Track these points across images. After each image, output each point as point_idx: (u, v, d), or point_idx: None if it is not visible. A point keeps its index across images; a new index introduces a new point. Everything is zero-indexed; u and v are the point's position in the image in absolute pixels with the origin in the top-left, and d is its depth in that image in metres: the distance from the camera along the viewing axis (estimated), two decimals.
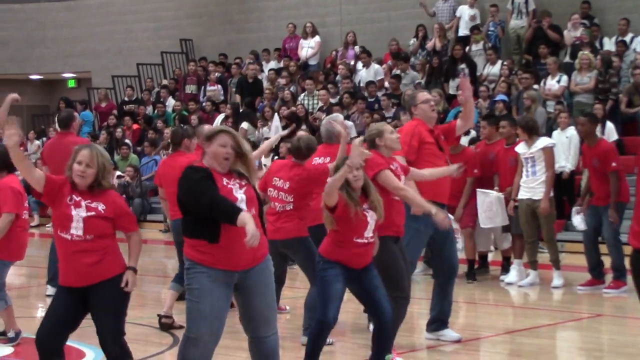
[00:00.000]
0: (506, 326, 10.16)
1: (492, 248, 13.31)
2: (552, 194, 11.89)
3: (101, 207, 6.23)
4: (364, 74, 20.31)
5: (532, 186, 11.78)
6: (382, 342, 7.27)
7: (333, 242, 7.01)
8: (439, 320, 8.77)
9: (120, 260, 6.35)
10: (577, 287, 11.86)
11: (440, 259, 8.68)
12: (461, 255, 13.11)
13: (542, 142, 11.78)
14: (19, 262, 9.05)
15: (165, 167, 9.81)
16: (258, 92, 21.51)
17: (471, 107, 8.79)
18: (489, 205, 12.24)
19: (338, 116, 9.55)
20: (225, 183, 6.02)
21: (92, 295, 6.23)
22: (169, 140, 9.92)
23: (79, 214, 6.16)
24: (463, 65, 18.86)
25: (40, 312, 10.82)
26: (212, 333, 6.05)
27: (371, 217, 6.97)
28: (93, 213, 6.19)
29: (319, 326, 7.01)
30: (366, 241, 6.99)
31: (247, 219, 5.72)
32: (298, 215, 8.46)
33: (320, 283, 7.03)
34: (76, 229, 6.15)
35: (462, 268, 12.92)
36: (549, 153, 11.74)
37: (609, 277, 11.77)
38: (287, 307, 10.33)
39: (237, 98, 21.38)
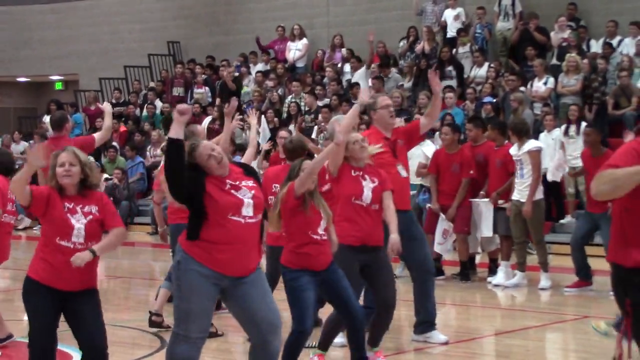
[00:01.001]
0: (494, 328, 10.18)
1: (479, 250, 13.34)
2: (540, 196, 11.92)
3: (94, 209, 6.21)
4: (356, 76, 20.23)
5: (520, 189, 11.86)
6: (359, 341, 7.26)
7: (291, 248, 7.00)
8: (426, 322, 8.77)
9: (96, 274, 6.37)
10: (564, 288, 11.89)
11: (413, 260, 8.67)
12: (451, 256, 13.20)
13: (529, 145, 11.85)
14: (4, 264, 9.02)
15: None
16: (238, 94, 21.53)
17: (439, 102, 8.76)
18: (487, 214, 12.35)
19: (340, 117, 9.44)
20: (222, 187, 6.03)
21: (75, 300, 6.21)
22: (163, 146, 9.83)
23: (79, 221, 6.14)
24: (450, 68, 18.89)
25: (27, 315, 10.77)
26: (201, 330, 6.08)
27: (324, 213, 6.98)
28: (91, 217, 6.18)
29: (298, 336, 6.98)
30: (320, 238, 6.95)
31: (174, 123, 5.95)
32: None
33: (292, 293, 6.96)
34: (78, 237, 6.13)
35: (451, 270, 12.98)
36: (534, 156, 11.78)
37: (595, 278, 11.81)
38: None
39: (217, 101, 21.36)
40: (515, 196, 11.94)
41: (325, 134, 17.52)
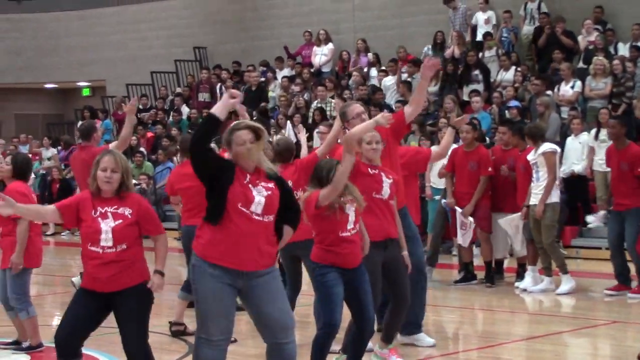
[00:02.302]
0: (522, 333, 10.12)
1: (507, 255, 13.29)
2: (556, 200, 11.88)
3: (127, 211, 6.30)
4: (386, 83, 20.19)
5: (536, 192, 11.87)
6: (362, 348, 7.27)
7: (321, 245, 7.03)
8: (412, 324, 8.68)
9: (145, 268, 6.46)
10: (605, 290, 11.78)
11: None
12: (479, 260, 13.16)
13: (543, 147, 11.83)
14: (35, 270, 9.05)
15: (177, 176, 9.76)
16: (263, 99, 21.59)
17: (424, 85, 8.44)
18: (517, 229, 12.32)
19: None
20: (246, 181, 6.07)
21: (116, 301, 6.31)
22: (178, 147, 9.86)
23: (107, 224, 6.23)
24: (477, 72, 18.85)
25: (57, 320, 10.82)
26: (222, 332, 6.12)
27: (350, 210, 6.99)
28: (121, 221, 6.25)
29: (327, 330, 7.02)
30: (350, 234, 6.99)
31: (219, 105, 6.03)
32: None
33: (321, 289, 7.04)
34: (106, 241, 6.22)
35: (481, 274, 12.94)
36: (548, 157, 11.76)
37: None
38: None
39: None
40: (532, 200, 11.92)
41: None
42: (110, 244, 6.21)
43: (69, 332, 6.30)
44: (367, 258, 7.22)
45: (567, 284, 11.93)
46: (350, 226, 7.00)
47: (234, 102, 6.05)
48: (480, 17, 20.39)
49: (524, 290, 12.17)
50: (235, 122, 6.17)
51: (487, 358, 8.72)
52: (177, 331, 9.53)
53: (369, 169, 7.60)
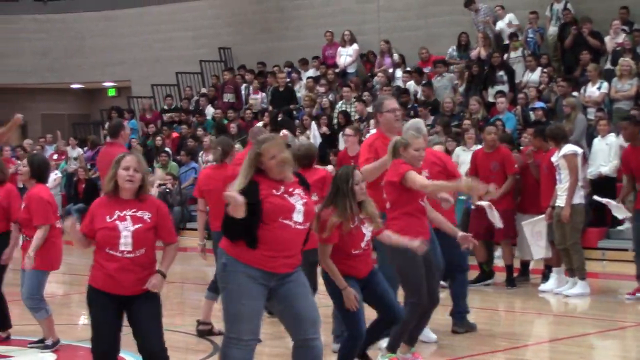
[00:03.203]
0: (547, 334, 10.09)
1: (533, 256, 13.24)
2: (580, 201, 11.84)
3: (147, 215, 6.26)
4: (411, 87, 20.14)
5: (559, 194, 11.88)
6: (399, 335, 7.41)
7: (336, 259, 7.02)
8: None
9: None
10: (624, 295, 11.74)
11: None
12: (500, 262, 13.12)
13: (564, 149, 11.80)
14: (61, 270, 9.11)
15: (209, 180, 9.70)
16: (291, 100, 21.59)
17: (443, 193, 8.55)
18: (539, 235, 12.26)
19: (419, 122, 9.18)
20: (275, 191, 6.06)
21: (133, 304, 6.28)
22: (220, 149, 9.67)
23: (127, 228, 6.19)
24: (502, 72, 18.78)
25: (83, 320, 10.89)
26: (252, 332, 6.12)
27: (367, 229, 7.04)
28: (140, 225, 6.22)
29: (352, 340, 7.04)
30: (362, 251, 7.06)
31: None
32: None
33: (340, 298, 7.00)
34: (125, 245, 6.18)
35: (502, 277, 12.89)
36: (570, 159, 11.74)
37: None
38: None
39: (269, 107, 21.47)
40: (557, 202, 11.87)
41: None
42: (130, 248, 6.17)
43: (105, 347, 6.26)
44: (407, 259, 7.31)
45: (581, 288, 11.89)
46: (363, 244, 7.04)
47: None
48: (501, 24, 20.27)
49: (548, 291, 12.12)
50: (263, 136, 6.19)
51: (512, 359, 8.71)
52: (204, 330, 9.54)
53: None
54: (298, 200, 6.09)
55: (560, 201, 11.82)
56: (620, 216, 12.20)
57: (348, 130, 11.07)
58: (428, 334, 8.82)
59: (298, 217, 6.04)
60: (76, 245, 6.30)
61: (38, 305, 8.79)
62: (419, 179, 7.48)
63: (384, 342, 8.55)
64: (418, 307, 7.71)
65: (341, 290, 6.94)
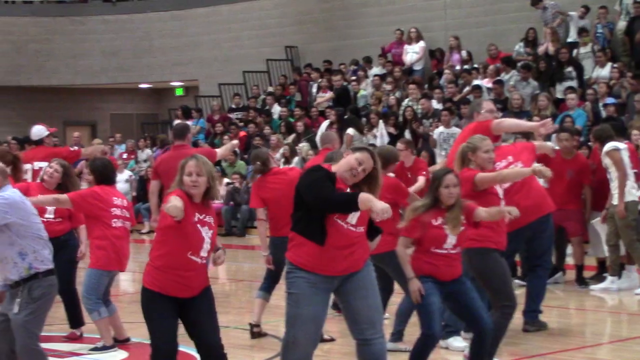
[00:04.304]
0: (621, 333, 9.96)
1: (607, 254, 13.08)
2: (633, 198, 11.67)
3: (212, 219, 6.29)
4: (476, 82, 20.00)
5: (612, 192, 11.77)
6: (481, 352, 7.21)
7: (418, 255, 7.01)
8: (447, 326, 8.50)
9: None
10: None
11: None
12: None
13: (606, 147, 11.66)
14: (133, 268, 9.16)
15: (263, 190, 9.36)
16: (352, 100, 21.60)
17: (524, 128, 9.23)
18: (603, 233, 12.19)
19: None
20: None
21: (194, 303, 6.30)
22: (259, 163, 9.47)
23: (206, 234, 6.20)
24: (570, 69, 18.57)
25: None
26: (310, 337, 6.16)
27: (449, 231, 6.97)
28: (212, 231, 6.25)
29: (426, 340, 6.99)
30: (446, 252, 6.96)
31: (368, 197, 5.81)
32: (388, 230, 8.39)
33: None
34: (205, 251, 6.22)
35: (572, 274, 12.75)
36: (612, 155, 11.60)
37: None
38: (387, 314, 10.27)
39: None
40: (614, 201, 11.79)
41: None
42: (206, 254, 6.22)
43: (167, 346, 6.27)
44: (490, 263, 7.34)
45: (619, 282, 11.87)
46: (447, 246, 6.96)
47: None
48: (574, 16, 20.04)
49: (620, 290, 11.99)
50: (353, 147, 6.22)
51: (586, 359, 8.59)
52: (257, 333, 9.45)
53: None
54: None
55: (614, 199, 11.69)
56: None
57: (399, 145, 11.04)
58: (455, 342, 8.62)
59: (352, 219, 6.06)
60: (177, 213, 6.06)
61: (91, 306, 8.78)
62: (486, 176, 7.41)
63: (454, 341, 8.55)
64: (510, 310, 7.58)
65: (408, 280, 6.92)
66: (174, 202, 5.93)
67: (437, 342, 7.07)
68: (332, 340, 9.08)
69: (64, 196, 8.72)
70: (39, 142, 11.71)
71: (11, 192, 6.68)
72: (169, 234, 6.15)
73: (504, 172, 7.79)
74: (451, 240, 6.94)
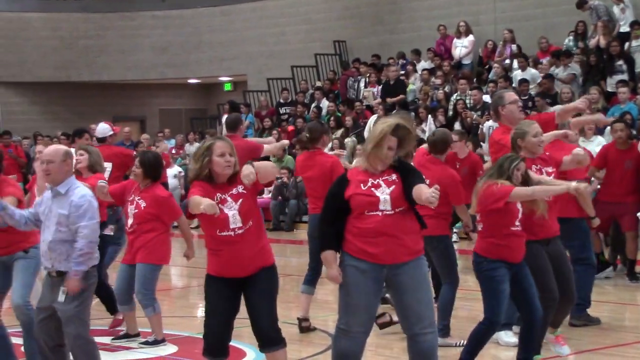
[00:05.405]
0: None
1: None
2: None
3: (240, 188, 6.31)
4: (519, 76, 19.85)
5: None
6: (530, 342, 7.23)
7: (493, 239, 7.00)
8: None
9: (270, 248, 6.52)
10: None
11: None
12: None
13: None
14: (181, 263, 9.21)
15: (303, 167, 9.62)
16: (401, 93, 21.53)
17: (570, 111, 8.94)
18: None
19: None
20: (364, 186, 6.09)
21: (249, 283, 6.35)
22: (307, 136, 9.63)
23: (231, 208, 6.25)
24: (621, 62, 18.37)
25: (201, 312, 11.02)
26: (361, 325, 6.17)
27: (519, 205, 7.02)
28: (242, 200, 6.29)
29: (488, 325, 7.01)
30: (518, 229, 7.03)
31: (326, 257, 6.14)
32: (440, 213, 8.37)
33: (488, 283, 7.04)
34: (235, 223, 6.25)
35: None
36: None
37: None
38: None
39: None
40: None
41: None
42: (239, 224, 6.25)
43: (217, 334, 6.34)
44: (532, 255, 7.25)
45: None
46: (517, 222, 7.01)
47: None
48: (616, 9, 19.76)
49: None
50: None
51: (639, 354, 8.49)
52: (305, 327, 9.46)
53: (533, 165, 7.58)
54: (384, 190, 6.07)
55: None
56: None
57: (454, 136, 10.98)
58: (505, 337, 8.52)
59: (385, 205, 6.05)
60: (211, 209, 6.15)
61: (147, 301, 8.83)
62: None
63: (505, 335, 8.47)
64: (551, 302, 7.49)
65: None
66: (204, 203, 6.02)
67: (497, 330, 7.06)
68: (394, 322, 8.93)
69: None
70: (102, 141, 11.52)
71: (85, 189, 6.86)
72: (200, 220, 6.34)
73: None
74: (519, 215, 7.01)
